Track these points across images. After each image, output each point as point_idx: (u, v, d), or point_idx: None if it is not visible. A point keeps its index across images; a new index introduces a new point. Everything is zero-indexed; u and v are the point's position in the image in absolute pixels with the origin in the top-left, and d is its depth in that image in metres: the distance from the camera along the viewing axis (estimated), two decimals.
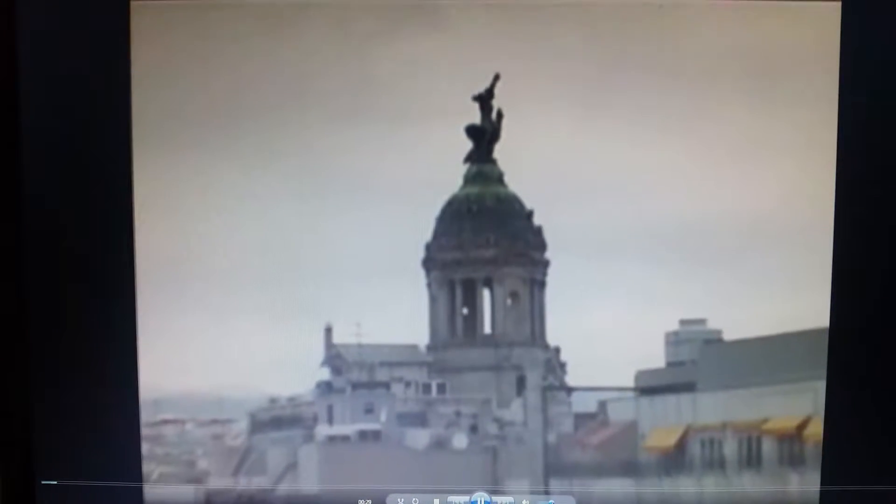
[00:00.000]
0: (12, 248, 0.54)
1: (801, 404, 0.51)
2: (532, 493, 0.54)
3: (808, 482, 0.52)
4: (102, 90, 0.54)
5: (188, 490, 0.56)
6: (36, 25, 0.53)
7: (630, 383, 0.52)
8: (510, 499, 0.54)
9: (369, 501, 0.55)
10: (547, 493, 0.54)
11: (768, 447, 0.52)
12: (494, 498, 0.54)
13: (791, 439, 0.52)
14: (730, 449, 0.52)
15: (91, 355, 0.56)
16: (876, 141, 0.49)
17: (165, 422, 0.54)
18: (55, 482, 0.57)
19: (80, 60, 0.53)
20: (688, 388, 0.52)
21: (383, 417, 0.54)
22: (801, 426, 0.51)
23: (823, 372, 0.51)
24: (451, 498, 0.55)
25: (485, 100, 0.49)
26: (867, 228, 0.50)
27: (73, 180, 0.54)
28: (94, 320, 0.55)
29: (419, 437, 0.54)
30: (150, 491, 0.56)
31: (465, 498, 0.55)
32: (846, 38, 0.49)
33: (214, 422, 0.54)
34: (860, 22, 0.49)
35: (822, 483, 0.52)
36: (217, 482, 0.55)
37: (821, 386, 0.51)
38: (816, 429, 0.51)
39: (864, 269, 0.50)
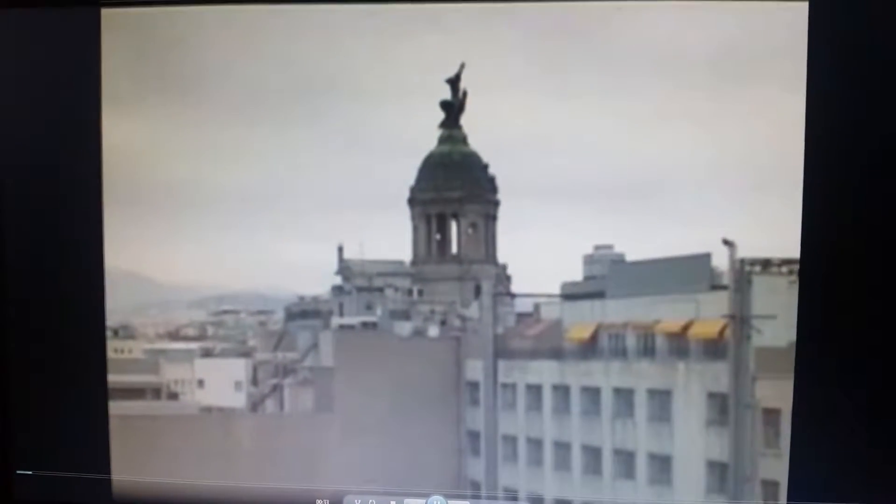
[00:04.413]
0: None
1: (686, 310, 0.57)
2: (487, 497, 0.58)
3: (691, 377, 0.57)
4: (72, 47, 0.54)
5: (153, 481, 0.58)
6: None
7: (557, 291, 0.58)
8: (466, 503, 0.57)
9: (327, 501, 0.56)
10: (497, 497, 0.58)
11: (660, 342, 0.58)
12: (451, 502, 0.56)
13: (678, 336, 0.57)
14: (630, 342, 0.58)
15: (65, 352, 0.57)
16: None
17: (226, 312, 0.61)
18: (30, 472, 0.56)
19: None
20: (599, 295, 0.58)
21: (379, 312, 0.61)
22: (686, 327, 0.57)
23: (703, 286, 0.56)
24: (408, 500, 0.56)
25: (454, 82, 0.56)
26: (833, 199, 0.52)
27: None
28: (66, 317, 0.56)
29: (404, 327, 0.61)
30: (117, 481, 0.58)
31: (421, 501, 0.56)
32: (814, 35, 0.51)
33: (260, 312, 0.61)
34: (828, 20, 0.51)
35: (789, 499, 0.54)
36: (261, 356, 0.61)
37: (701, 297, 0.56)
38: (697, 329, 0.56)
39: (828, 289, 0.52)
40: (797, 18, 0.53)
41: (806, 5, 0.52)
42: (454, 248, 0.62)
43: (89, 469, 0.57)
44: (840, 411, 0.53)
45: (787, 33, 0.53)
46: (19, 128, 0.57)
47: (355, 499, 0.57)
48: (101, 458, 0.57)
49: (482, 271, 0.60)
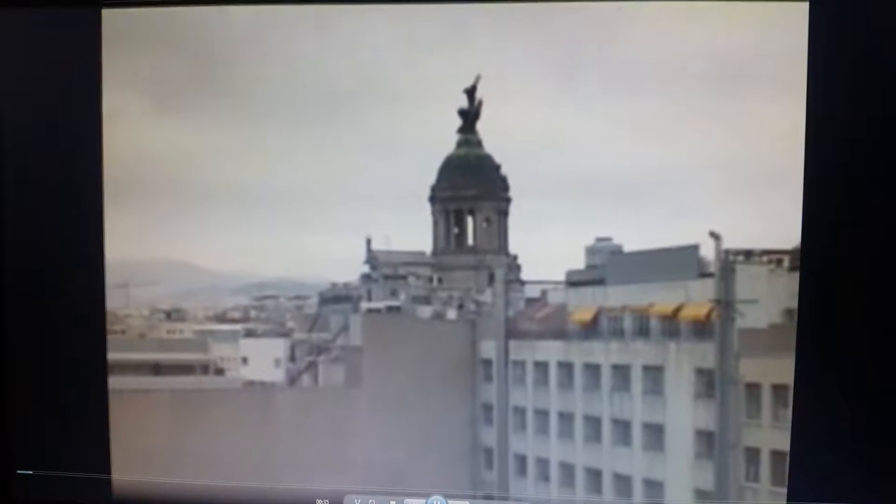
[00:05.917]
0: None
1: (676, 295, 0.60)
2: (487, 498, 0.59)
3: (682, 355, 0.59)
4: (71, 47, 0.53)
5: (152, 481, 0.58)
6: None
7: (562, 278, 0.60)
8: (466, 503, 0.57)
9: (327, 502, 0.55)
10: (504, 499, 0.58)
11: (654, 323, 0.61)
12: (451, 502, 0.55)
13: (669, 319, 0.60)
14: (627, 323, 0.61)
15: (65, 351, 0.56)
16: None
17: (266, 297, 0.63)
18: (30, 472, 0.55)
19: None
20: (599, 282, 0.60)
21: (402, 298, 0.63)
22: (677, 310, 0.60)
23: (692, 274, 0.58)
24: (408, 500, 0.55)
25: (471, 92, 0.59)
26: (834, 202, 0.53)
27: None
28: (66, 317, 0.55)
29: (425, 311, 0.63)
30: (117, 481, 0.56)
31: (421, 501, 0.55)
32: (814, 35, 0.51)
33: (298, 297, 0.63)
34: (828, 20, 0.51)
35: (789, 499, 0.54)
36: (298, 336, 0.64)
37: (691, 284, 0.59)
38: (687, 312, 0.59)
39: (828, 286, 0.52)
40: (797, 17, 0.53)
41: (806, 5, 0.53)
42: (470, 241, 0.65)
43: (89, 469, 0.57)
44: (841, 410, 0.54)
45: (786, 32, 0.53)
46: (24, 128, 0.57)
47: (355, 498, 0.57)
48: (101, 457, 0.57)
49: (495, 261, 0.62)
